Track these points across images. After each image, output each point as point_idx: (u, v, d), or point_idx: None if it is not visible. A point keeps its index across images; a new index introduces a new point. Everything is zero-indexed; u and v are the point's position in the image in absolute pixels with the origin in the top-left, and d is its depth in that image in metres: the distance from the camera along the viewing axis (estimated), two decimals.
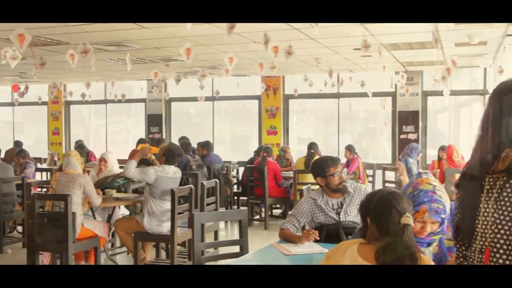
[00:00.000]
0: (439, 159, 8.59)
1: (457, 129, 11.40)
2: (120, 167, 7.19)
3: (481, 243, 1.82)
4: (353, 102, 11.35)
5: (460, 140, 10.70)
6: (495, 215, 1.78)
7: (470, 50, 7.66)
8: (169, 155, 5.64)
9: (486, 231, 1.81)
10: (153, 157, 6.36)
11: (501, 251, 1.76)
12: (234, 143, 13.22)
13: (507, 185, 1.77)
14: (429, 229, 2.65)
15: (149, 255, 5.89)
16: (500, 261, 1.76)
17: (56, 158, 10.86)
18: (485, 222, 1.81)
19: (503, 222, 1.76)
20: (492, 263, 1.78)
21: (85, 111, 14.23)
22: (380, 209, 2.29)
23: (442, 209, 2.62)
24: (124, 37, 6.61)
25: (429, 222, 2.63)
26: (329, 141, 10.15)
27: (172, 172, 5.63)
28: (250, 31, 6.00)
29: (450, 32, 6.25)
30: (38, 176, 10.05)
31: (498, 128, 1.80)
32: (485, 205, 1.82)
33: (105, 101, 13.16)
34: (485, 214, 1.81)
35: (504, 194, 1.77)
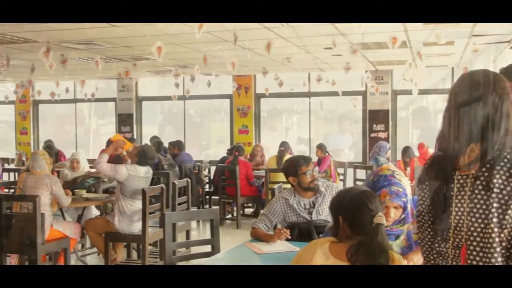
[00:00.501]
0: (404, 161, 8.71)
1: None
2: (91, 167, 7.11)
3: (457, 239, 1.83)
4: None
5: None
6: (470, 214, 1.78)
7: (438, 50, 7.79)
8: (141, 157, 5.59)
9: (462, 228, 1.81)
10: (124, 152, 6.28)
11: (478, 248, 1.77)
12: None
13: (478, 182, 1.78)
14: (393, 214, 2.68)
15: (120, 256, 5.83)
16: (478, 258, 1.78)
17: (24, 158, 10.66)
18: (461, 220, 1.81)
19: (479, 221, 1.77)
20: (469, 260, 1.79)
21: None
22: (353, 208, 2.30)
23: (402, 192, 2.66)
24: (93, 36, 6.52)
25: (392, 207, 2.66)
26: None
27: (144, 172, 5.59)
28: (220, 30, 5.98)
29: (419, 32, 6.35)
30: (6, 177, 9.85)
31: (463, 123, 1.79)
32: (459, 204, 1.81)
33: (74, 101, 12.97)
34: (460, 213, 1.81)
35: (476, 192, 1.78)
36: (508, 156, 1.76)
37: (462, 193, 1.81)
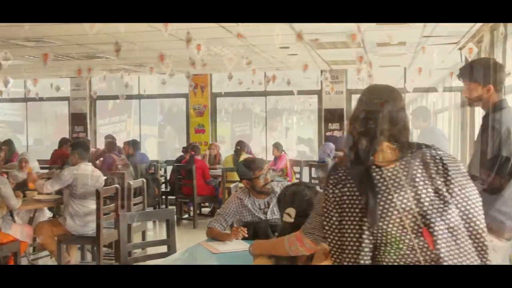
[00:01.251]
0: None
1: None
2: (42, 168, 6.93)
3: (418, 226, 1.83)
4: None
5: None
6: (416, 197, 1.84)
7: (391, 50, 7.94)
8: (79, 149, 5.51)
9: (406, 217, 1.83)
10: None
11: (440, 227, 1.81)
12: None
13: (402, 174, 1.87)
14: None
15: (73, 258, 5.71)
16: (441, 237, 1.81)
17: None
18: (408, 207, 1.84)
19: (436, 206, 1.83)
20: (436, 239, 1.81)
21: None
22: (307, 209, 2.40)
23: None
24: (44, 33, 6.35)
25: None
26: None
27: (90, 170, 5.50)
28: (175, 28, 5.92)
29: (372, 32, 6.46)
30: None
31: (372, 124, 1.94)
32: (401, 193, 1.85)
33: (24, 99, 12.60)
34: (405, 201, 1.84)
35: (416, 179, 1.86)
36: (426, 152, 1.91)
37: (395, 184, 1.87)
